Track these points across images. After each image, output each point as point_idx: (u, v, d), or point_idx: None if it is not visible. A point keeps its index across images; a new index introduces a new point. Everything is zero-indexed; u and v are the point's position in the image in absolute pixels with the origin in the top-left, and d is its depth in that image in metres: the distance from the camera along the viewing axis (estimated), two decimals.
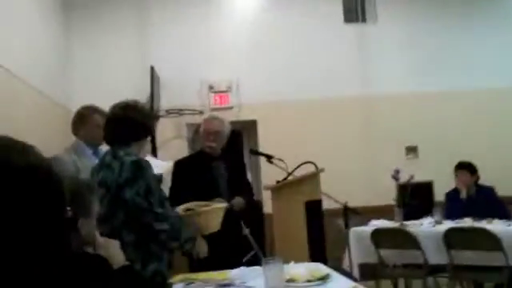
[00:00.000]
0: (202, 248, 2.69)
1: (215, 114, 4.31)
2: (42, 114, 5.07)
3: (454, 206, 5.15)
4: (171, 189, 3.80)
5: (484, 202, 5.04)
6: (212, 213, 2.83)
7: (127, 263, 1.86)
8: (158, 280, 2.39)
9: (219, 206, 2.95)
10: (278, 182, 3.86)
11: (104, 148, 3.28)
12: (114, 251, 1.88)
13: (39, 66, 5.14)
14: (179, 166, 3.87)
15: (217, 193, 3.66)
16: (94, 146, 3.66)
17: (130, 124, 2.65)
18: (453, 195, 5.26)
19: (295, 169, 3.79)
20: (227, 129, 3.90)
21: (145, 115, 2.72)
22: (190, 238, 2.60)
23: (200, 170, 3.74)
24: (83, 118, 3.70)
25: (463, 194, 5.16)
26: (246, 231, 3.66)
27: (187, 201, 3.52)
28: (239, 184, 3.85)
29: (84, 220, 1.74)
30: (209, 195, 3.49)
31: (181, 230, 2.57)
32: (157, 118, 2.84)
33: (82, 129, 3.68)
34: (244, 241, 3.74)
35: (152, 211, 2.47)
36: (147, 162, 2.63)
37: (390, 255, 4.71)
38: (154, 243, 2.45)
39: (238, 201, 3.68)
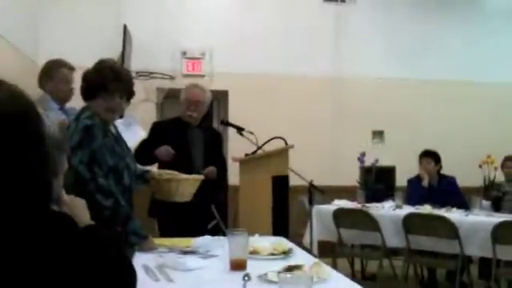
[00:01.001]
0: (148, 246, 2.46)
1: (197, 82, 4.21)
2: (7, 64, 4.88)
3: (415, 192, 5.25)
4: (142, 143, 3.81)
5: (445, 191, 5.15)
6: (189, 182, 2.84)
7: (92, 223, 1.80)
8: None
9: (197, 177, 2.95)
10: (246, 154, 3.84)
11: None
12: (79, 210, 1.82)
13: (8, 16, 4.92)
14: (157, 127, 3.87)
15: (189, 160, 3.65)
16: (61, 101, 3.55)
17: (98, 80, 2.52)
18: (415, 182, 5.36)
19: (265, 143, 3.77)
20: (208, 99, 3.86)
21: (116, 75, 2.54)
22: (139, 234, 2.44)
23: (176, 135, 3.70)
24: (50, 72, 3.58)
25: (425, 182, 5.26)
26: (213, 208, 3.70)
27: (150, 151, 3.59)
28: (214, 157, 3.82)
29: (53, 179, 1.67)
30: (181, 162, 3.47)
31: (130, 218, 2.44)
32: (129, 81, 2.62)
33: (49, 82, 3.56)
34: (208, 210, 3.76)
35: (94, 180, 2.36)
36: (95, 133, 2.44)
37: (350, 235, 4.79)
38: (98, 217, 2.28)
39: (212, 170, 3.67)
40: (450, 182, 5.25)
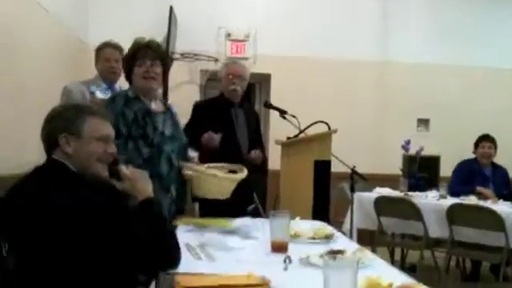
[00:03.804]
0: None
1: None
2: (57, 42, 4.99)
3: (468, 176, 5.07)
4: (186, 129, 3.75)
5: (498, 180, 5.02)
6: (230, 180, 2.74)
7: (151, 195, 1.86)
8: None
9: (237, 177, 2.79)
10: (288, 138, 3.80)
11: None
12: (141, 184, 1.86)
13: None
14: (199, 107, 3.80)
15: (235, 140, 3.61)
16: (109, 80, 3.61)
17: (128, 52, 2.75)
18: (467, 164, 5.19)
19: (308, 126, 3.71)
20: (248, 76, 3.81)
21: (143, 43, 2.71)
22: None
23: (219, 114, 3.64)
24: (97, 53, 3.73)
25: (487, 167, 5.12)
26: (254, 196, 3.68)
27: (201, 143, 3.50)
28: (255, 137, 3.80)
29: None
30: (227, 142, 3.47)
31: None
32: (157, 47, 2.78)
33: (98, 63, 3.67)
34: (249, 194, 3.75)
35: None
36: (116, 101, 2.64)
37: (391, 224, 4.71)
38: None
39: (258, 154, 3.63)
40: (502, 172, 5.10)
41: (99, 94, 3.43)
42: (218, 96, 3.89)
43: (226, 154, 3.41)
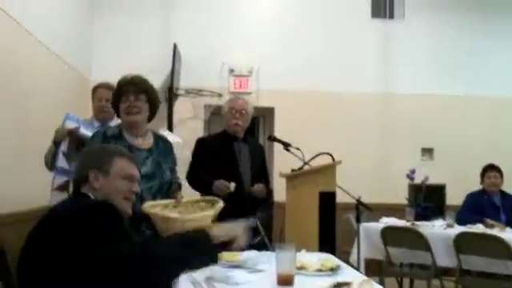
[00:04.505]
0: None
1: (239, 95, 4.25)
2: (60, 79, 5.08)
3: (479, 206, 5.10)
4: (191, 166, 3.80)
5: (509, 208, 5.01)
6: (197, 222, 2.27)
7: None
8: None
9: (207, 213, 2.41)
10: (292, 170, 3.83)
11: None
12: None
13: (61, 34, 5.14)
14: (201, 144, 3.84)
15: (237, 175, 3.64)
16: (101, 120, 3.67)
17: (115, 91, 2.87)
18: (478, 196, 5.22)
19: (312, 158, 3.75)
20: (251, 111, 3.87)
21: (127, 79, 2.78)
22: None
23: (221, 149, 3.70)
24: (92, 94, 3.84)
25: (496, 195, 5.16)
26: (257, 221, 3.65)
27: (205, 179, 3.53)
28: (260, 170, 3.83)
29: None
30: (229, 174, 3.52)
31: None
32: (142, 82, 2.80)
33: (92, 103, 3.78)
34: (253, 226, 3.74)
35: None
36: (94, 139, 2.73)
37: (398, 254, 4.69)
38: None
39: (261, 188, 3.67)
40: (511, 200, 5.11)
41: (82, 130, 3.45)
42: (221, 132, 3.94)
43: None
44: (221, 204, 2.53)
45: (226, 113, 3.83)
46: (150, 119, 2.83)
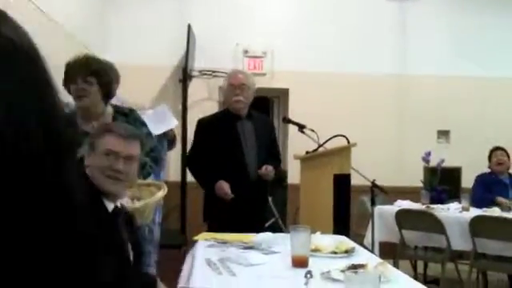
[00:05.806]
0: None
1: (257, 79, 3.98)
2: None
3: (490, 187, 5.15)
4: (191, 149, 3.66)
5: None
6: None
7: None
8: None
9: (148, 201, 2.33)
10: (307, 152, 3.80)
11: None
12: None
13: (79, 18, 5.13)
14: (201, 125, 3.59)
15: (241, 157, 3.45)
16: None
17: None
18: (487, 177, 5.27)
19: (327, 140, 3.72)
20: (253, 84, 3.57)
21: (72, 62, 2.62)
22: None
23: (224, 128, 3.45)
24: None
25: (504, 175, 5.21)
26: (270, 200, 3.61)
27: (209, 161, 3.43)
28: (268, 148, 3.61)
29: None
30: (232, 159, 3.42)
31: None
32: (85, 62, 2.62)
33: None
34: (265, 209, 3.72)
35: None
36: None
37: (413, 237, 4.67)
38: None
39: (268, 171, 3.43)
40: None
41: None
42: (222, 110, 3.77)
43: (232, 169, 3.40)
44: (165, 189, 2.40)
45: (226, 88, 3.56)
46: (106, 100, 2.63)
